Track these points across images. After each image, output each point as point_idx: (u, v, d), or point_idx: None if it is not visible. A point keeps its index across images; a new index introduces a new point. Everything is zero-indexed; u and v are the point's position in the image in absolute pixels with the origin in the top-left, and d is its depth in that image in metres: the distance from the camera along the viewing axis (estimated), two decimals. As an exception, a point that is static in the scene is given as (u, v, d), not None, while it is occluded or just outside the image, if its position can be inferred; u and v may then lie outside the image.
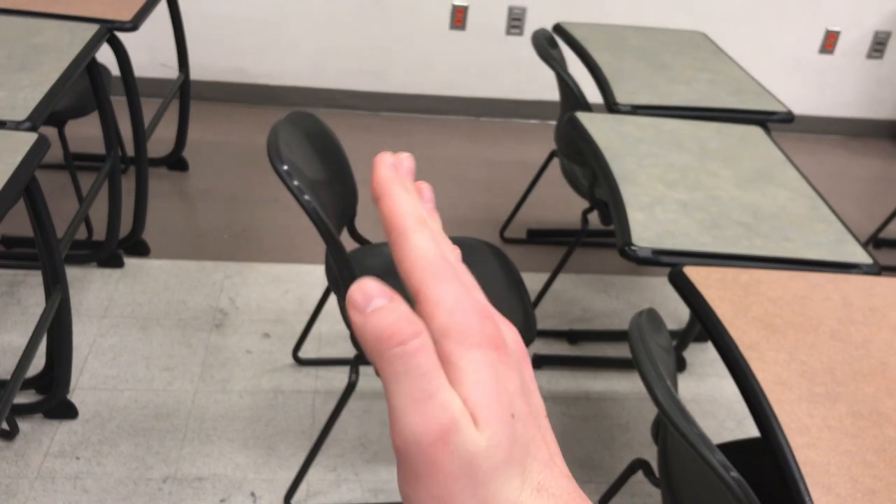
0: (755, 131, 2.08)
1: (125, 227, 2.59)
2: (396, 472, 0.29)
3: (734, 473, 1.08)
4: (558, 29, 2.62)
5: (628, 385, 2.34)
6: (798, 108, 3.89)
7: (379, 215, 0.33)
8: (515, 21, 3.63)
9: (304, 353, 2.31)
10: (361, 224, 2.01)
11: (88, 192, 2.34)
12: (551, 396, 2.27)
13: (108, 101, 2.33)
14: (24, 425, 2.01)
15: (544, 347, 2.44)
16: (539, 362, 2.36)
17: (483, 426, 0.28)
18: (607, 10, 3.60)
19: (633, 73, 2.34)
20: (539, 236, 2.97)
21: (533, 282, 2.58)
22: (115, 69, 2.50)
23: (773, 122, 2.20)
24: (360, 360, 1.79)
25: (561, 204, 3.13)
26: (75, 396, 2.11)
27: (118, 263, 2.57)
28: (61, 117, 2.48)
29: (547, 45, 2.37)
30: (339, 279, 1.62)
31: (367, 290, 0.29)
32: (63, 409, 2.04)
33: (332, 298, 2.22)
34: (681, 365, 2.40)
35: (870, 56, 3.87)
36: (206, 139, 3.37)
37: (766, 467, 1.30)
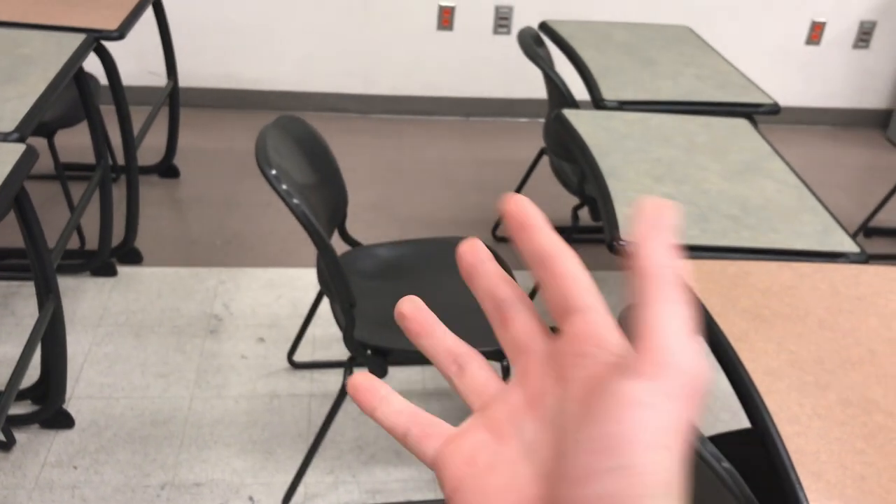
0: (742, 124, 2.09)
1: (117, 235, 2.60)
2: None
3: (725, 464, 1.09)
4: (544, 27, 2.63)
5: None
6: (785, 100, 3.90)
7: (522, 246, 0.33)
8: (502, 20, 3.64)
9: (299, 356, 2.31)
10: (352, 226, 2.02)
11: (79, 201, 2.34)
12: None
13: (96, 111, 2.33)
14: (20, 436, 2.01)
15: (538, 344, 2.44)
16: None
17: None
18: (593, 7, 3.62)
19: (620, 69, 2.35)
20: (531, 234, 2.98)
21: (526, 279, 2.59)
22: (103, 78, 2.50)
23: (759, 114, 2.21)
24: (354, 362, 1.80)
25: (552, 201, 3.13)
26: (71, 406, 2.11)
27: (111, 272, 2.57)
28: (50, 128, 2.49)
29: (533, 44, 2.38)
30: (331, 282, 1.63)
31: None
32: (59, 419, 2.05)
33: (325, 302, 2.22)
34: (674, 358, 2.41)
35: (856, 46, 3.89)
36: (197, 146, 3.37)
37: (758, 457, 1.31)
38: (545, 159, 2.63)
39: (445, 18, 3.61)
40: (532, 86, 3.70)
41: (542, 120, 3.79)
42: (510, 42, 3.68)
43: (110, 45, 2.34)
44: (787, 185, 1.81)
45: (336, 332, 2.40)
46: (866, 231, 3.15)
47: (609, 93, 2.18)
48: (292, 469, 1.98)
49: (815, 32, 3.83)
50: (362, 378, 0.37)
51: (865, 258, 1.58)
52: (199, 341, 2.35)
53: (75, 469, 1.95)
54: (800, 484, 1.08)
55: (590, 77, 2.27)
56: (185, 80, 3.42)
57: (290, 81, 3.70)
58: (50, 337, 1.94)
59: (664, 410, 0.26)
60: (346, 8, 3.56)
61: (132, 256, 2.64)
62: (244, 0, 3.50)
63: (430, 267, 1.97)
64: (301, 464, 1.90)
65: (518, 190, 2.83)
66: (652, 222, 0.29)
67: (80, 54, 2.11)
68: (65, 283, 2.50)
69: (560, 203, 3.10)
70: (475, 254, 0.35)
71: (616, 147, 1.90)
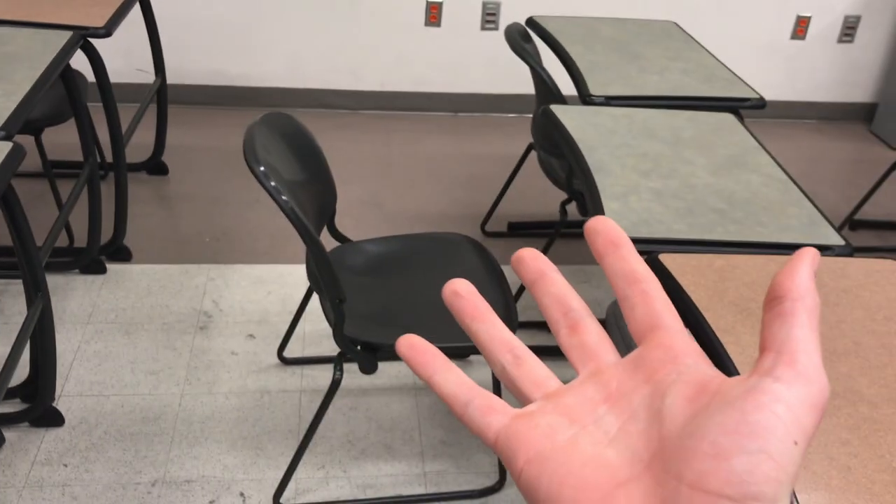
0: (728, 118, 2.10)
1: (106, 233, 2.59)
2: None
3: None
4: (531, 22, 2.64)
5: (611, 373, 2.36)
6: (771, 94, 3.93)
7: (610, 265, 0.37)
8: (490, 16, 3.64)
9: (289, 352, 2.32)
10: (341, 222, 2.02)
11: (67, 199, 2.34)
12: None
13: (84, 108, 2.33)
14: (9, 434, 2.01)
15: (527, 338, 2.46)
16: (523, 354, 2.38)
17: None
18: (580, 3, 3.63)
19: (606, 64, 2.36)
20: (520, 229, 2.99)
21: (514, 274, 2.60)
22: (90, 75, 2.49)
23: (745, 108, 2.23)
24: (343, 357, 1.81)
25: (540, 196, 3.15)
26: (61, 403, 2.11)
27: (100, 269, 2.57)
28: (38, 125, 2.48)
29: (520, 39, 2.39)
30: (320, 278, 1.64)
31: None
32: (49, 417, 2.04)
33: (315, 298, 2.23)
34: (663, 352, 2.43)
35: (841, 40, 3.91)
36: (186, 143, 3.36)
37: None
38: (533, 154, 2.64)
39: (433, 14, 3.61)
40: (520, 81, 3.71)
41: (530, 115, 3.80)
42: (498, 38, 3.68)
43: (98, 43, 2.34)
44: (773, 179, 1.82)
45: (326, 327, 2.41)
46: (852, 224, 3.17)
47: (596, 88, 2.19)
48: (283, 465, 1.99)
49: (801, 27, 3.85)
50: (417, 339, 0.38)
51: (851, 251, 1.59)
52: (188, 338, 2.35)
53: (65, 467, 1.95)
54: (786, 474, 1.09)
55: (577, 72, 2.28)
56: (173, 77, 3.42)
57: (279, 78, 3.69)
58: (39, 335, 1.94)
59: (798, 412, 0.29)
60: (334, 4, 3.55)
61: (121, 254, 2.64)
62: (231, -4, 3.50)
63: (419, 262, 1.97)
64: (292, 459, 1.91)
65: (506, 185, 2.84)
66: (805, 257, 0.33)
67: (66, 52, 2.10)
68: (54, 281, 2.49)
69: (548, 198, 3.12)
70: (540, 261, 0.39)
71: (603, 142, 1.91)
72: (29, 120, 2.16)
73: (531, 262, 0.38)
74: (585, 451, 0.32)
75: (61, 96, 2.38)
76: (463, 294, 0.38)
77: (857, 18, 3.86)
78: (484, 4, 3.62)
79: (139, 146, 3.08)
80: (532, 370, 0.37)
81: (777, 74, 3.96)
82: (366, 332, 1.75)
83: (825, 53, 3.94)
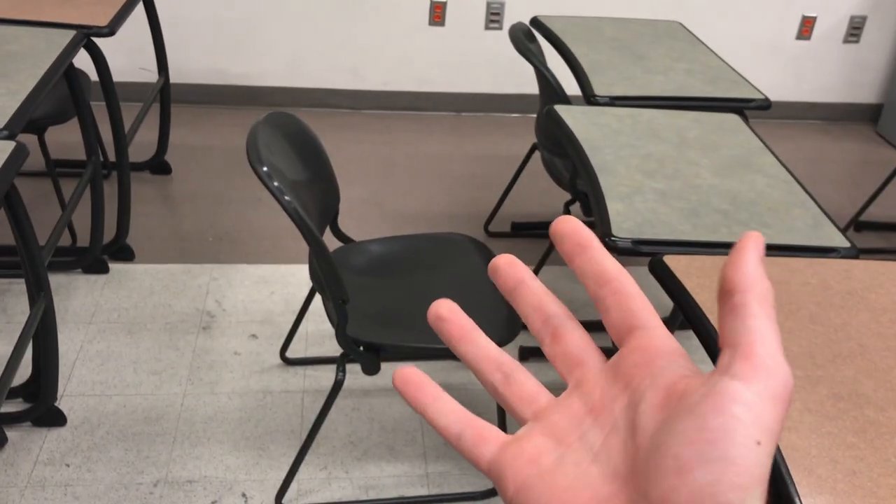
0: (733, 119, 2.09)
1: (109, 232, 2.59)
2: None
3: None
4: (535, 22, 2.63)
5: (615, 374, 2.35)
6: (776, 95, 3.91)
7: (578, 268, 0.35)
8: (494, 15, 3.63)
9: (292, 352, 2.31)
10: (343, 222, 2.02)
11: (70, 198, 2.34)
12: (539, 388, 2.28)
13: (87, 107, 2.32)
14: (12, 434, 2.01)
15: (530, 340, 2.45)
16: (525, 354, 2.37)
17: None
18: (585, 2, 3.62)
19: (611, 64, 2.35)
20: (523, 229, 2.99)
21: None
22: (94, 74, 2.49)
23: (750, 109, 2.22)
24: (346, 358, 1.80)
25: (544, 196, 3.14)
26: (64, 403, 2.11)
27: (103, 269, 2.57)
28: (41, 124, 2.48)
29: (524, 39, 2.38)
30: (323, 279, 1.63)
31: None
32: (51, 417, 2.04)
33: (318, 298, 2.22)
34: (666, 353, 2.42)
35: (846, 41, 3.90)
36: (189, 142, 3.36)
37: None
38: (537, 154, 2.63)
39: (437, 13, 3.60)
40: (523, 81, 3.70)
41: (534, 115, 3.79)
42: (502, 37, 3.67)
43: (101, 41, 2.33)
44: (778, 180, 1.82)
45: (329, 328, 2.40)
46: (857, 225, 3.16)
47: (600, 88, 2.18)
48: (285, 465, 1.99)
49: (806, 27, 3.84)
50: (412, 372, 0.37)
51: (856, 253, 1.59)
52: (191, 338, 2.35)
53: (68, 467, 1.95)
54: (791, 479, 1.09)
55: (581, 72, 2.27)
56: (176, 77, 3.42)
57: (281, 77, 3.69)
58: (41, 335, 1.93)
59: (759, 409, 0.28)
60: (336, 3, 3.55)
61: (124, 253, 2.64)
62: (235, -5, 3.50)
63: (422, 263, 1.97)
64: (294, 460, 1.90)
65: (510, 185, 2.83)
66: (748, 244, 0.32)
67: (69, 51, 2.10)
68: (56, 281, 2.49)
69: (551, 198, 3.11)
70: (516, 268, 0.37)
71: (607, 142, 1.90)
72: (32, 119, 2.15)
73: (507, 269, 0.37)
74: (569, 472, 0.32)
75: (64, 95, 2.38)
76: (446, 316, 0.37)
77: (863, 19, 3.85)
78: (488, 4, 3.61)
79: (143, 145, 3.08)
80: (521, 387, 0.36)
81: (782, 75, 3.95)
82: (368, 332, 1.75)
83: (831, 54, 3.92)
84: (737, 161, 1.88)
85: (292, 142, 1.80)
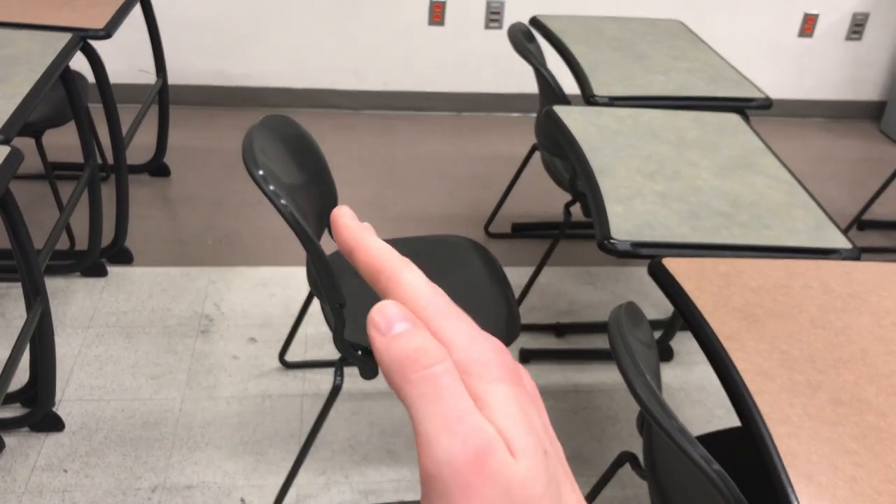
0: (733, 119, 2.08)
1: (107, 235, 2.58)
2: (422, 501, 0.28)
3: (716, 466, 1.08)
4: (535, 22, 2.61)
5: (616, 376, 2.34)
6: (778, 93, 3.89)
7: (357, 266, 0.33)
8: (494, 15, 3.62)
9: (291, 356, 2.30)
10: (342, 225, 2.00)
11: (68, 201, 2.33)
12: (540, 390, 2.26)
13: (84, 110, 2.31)
14: (9, 439, 2.00)
15: (531, 341, 2.44)
16: (526, 356, 2.36)
17: (520, 455, 0.28)
18: (584, 1, 3.60)
19: (610, 64, 2.33)
20: (524, 230, 2.97)
21: (519, 276, 2.57)
22: (91, 76, 2.48)
23: (751, 108, 2.20)
24: (344, 362, 1.79)
25: (545, 196, 3.12)
26: (62, 408, 2.10)
27: (101, 272, 2.56)
28: (38, 127, 2.47)
29: (523, 39, 2.37)
30: (320, 283, 1.62)
31: (389, 314, 0.30)
32: (49, 422, 2.03)
33: (317, 300, 2.21)
34: (668, 354, 2.41)
35: (849, 38, 3.87)
36: (188, 144, 3.35)
37: (750, 455, 1.30)
38: (537, 155, 2.61)
39: (437, 13, 3.59)
40: (524, 80, 3.68)
41: (535, 115, 3.78)
42: (502, 37, 3.66)
43: (99, 43, 2.32)
44: (779, 181, 1.80)
45: (328, 331, 2.38)
46: (860, 224, 3.14)
47: (600, 88, 2.17)
48: (284, 470, 1.97)
49: (808, 25, 3.81)
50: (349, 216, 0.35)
51: (858, 254, 1.57)
52: (190, 342, 2.34)
53: (65, 472, 1.94)
54: (791, 485, 1.07)
55: (580, 72, 2.26)
56: (174, 78, 3.40)
57: (281, 78, 3.68)
58: (38, 339, 1.92)
59: None
60: (336, 4, 3.53)
61: (122, 256, 2.63)
62: (234, -4, 3.48)
63: (420, 265, 1.94)
64: (293, 465, 1.89)
65: (510, 186, 2.82)
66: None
67: (65, 54, 2.09)
68: (55, 284, 2.48)
69: (552, 198, 3.09)
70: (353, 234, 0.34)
71: (606, 143, 1.89)
72: (29, 122, 2.15)
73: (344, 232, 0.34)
74: None
75: (62, 98, 2.37)
76: (348, 224, 0.35)
77: (866, 16, 3.82)
78: (488, 3, 3.59)
79: (141, 147, 3.07)
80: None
81: (785, 73, 3.93)
82: (367, 336, 1.73)
83: (833, 51, 3.90)
84: (737, 162, 1.86)
85: (289, 145, 1.79)
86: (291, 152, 1.79)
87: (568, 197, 2.35)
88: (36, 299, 1.88)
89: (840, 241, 1.60)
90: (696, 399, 2.28)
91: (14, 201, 1.74)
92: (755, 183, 1.78)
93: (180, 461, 1.99)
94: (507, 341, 1.77)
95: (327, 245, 1.63)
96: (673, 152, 1.88)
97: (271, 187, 1.53)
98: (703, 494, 1.15)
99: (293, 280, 2.61)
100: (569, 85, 2.29)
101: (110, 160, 2.63)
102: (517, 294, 2.48)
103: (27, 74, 1.96)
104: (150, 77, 3.21)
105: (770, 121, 3.90)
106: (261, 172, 1.53)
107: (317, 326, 2.40)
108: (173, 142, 3.19)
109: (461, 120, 3.78)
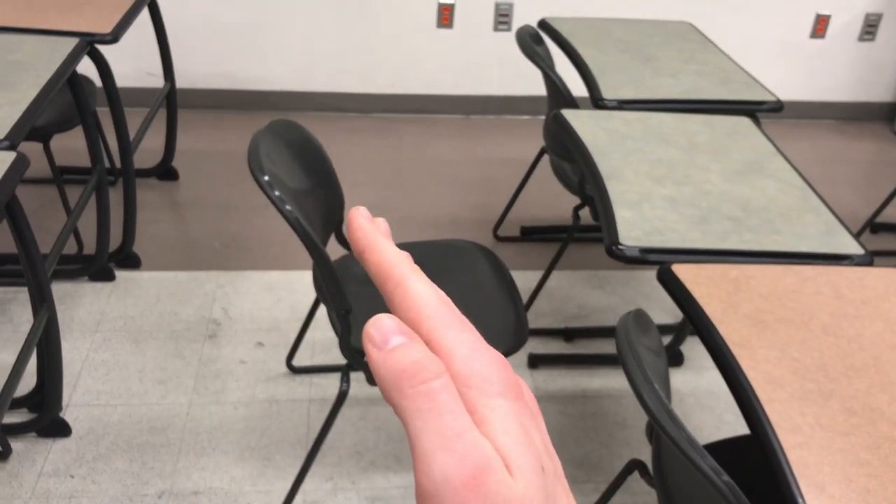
0: (744, 122, 2.06)
1: (115, 239, 2.58)
2: None
3: (725, 477, 1.06)
4: (543, 24, 2.60)
5: (625, 382, 2.31)
6: (790, 94, 3.86)
7: (367, 268, 0.33)
8: (503, 17, 3.60)
9: (298, 360, 2.29)
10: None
11: (76, 206, 2.32)
12: (548, 396, 2.25)
13: (91, 115, 2.31)
14: (16, 445, 2.00)
15: (540, 346, 2.42)
16: (535, 361, 2.34)
17: (517, 474, 0.27)
18: (594, 3, 3.58)
19: (619, 67, 2.31)
20: (533, 234, 2.95)
21: (528, 280, 2.56)
22: (99, 80, 2.48)
23: (762, 111, 2.18)
24: (351, 368, 1.78)
25: (554, 200, 3.11)
26: (69, 413, 2.09)
27: (109, 277, 2.56)
28: (46, 132, 2.47)
29: (532, 42, 2.35)
30: (325, 289, 1.61)
31: (385, 328, 0.29)
32: (56, 427, 2.03)
33: (324, 305, 2.20)
34: (678, 359, 2.39)
35: (861, 39, 3.84)
36: (196, 148, 3.35)
37: (761, 464, 1.28)
38: (546, 158, 2.60)
39: (445, 16, 3.58)
40: (533, 83, 3.66)
41: (543, 117, 3.76)
42: (510, 39, 3.64)
43: (109, 48, 2.32)
44: (790, 185, 1.78)
45: (335, 335, 2.37)
46: (873, 227, 3.11)
47: (608, 92, 2.15)
48: (291, 476, 1.96)
49: (820, 25, 3.78)
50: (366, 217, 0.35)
51: (870, 260, 1.55)
52: (197, 346, 2.33)
53: (72, 478, 1.93)
54: (802, 497, 1.05)
55: (589, 76, 2.24)
56: (182, 82, 3.40)
57: (289, 81, 3.67)
58: (45, 345, 1.92)
59: None
60: (344, 6, 3.53)
61: (130, 261, 2.62)
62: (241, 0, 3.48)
63: (428, 270, 1.93)
64: (299, 471, 1.88)
65: (519, 189, 2.80)
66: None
67: (72, 59, 2.09)
68: (62, 289, 2.48)
69: (561, 202, 3.07)
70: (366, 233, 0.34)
71: (615, 148, 1.87)
72: (37, 127, 2.14)
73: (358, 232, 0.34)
74: None
75: (70, 103, 2.37)
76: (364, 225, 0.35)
77: (879, 16, 3.79)
78: (496, 5, 3.58)
79: (149, 151, 3.07)
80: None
81: (796, 74, 3.90)
82: (373, 342, 1.72)
83: (846, 52, 3.87)
84: (748, 166, 1.84)
85: (295, 150, 1.78)
86: (297, 157, 1.78)
87: (577, 200, 2.33)
88: (42, 305, 1.88)
89: (852, 247, 1.57)
90: (706, 405, 2.25)
91: (20, 207, 1.74)
92: (766, 187, 1.76)
93: (187, 466, 1.98)
94: (515, 347, 1.75)
95: (334, 251, 1.62)
96: (682, 156, 1.86)
97: (277, 193, 1.52)
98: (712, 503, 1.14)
99: (300, 284, 2.60)
100: (577, 88, 2.28)
101: (118, 164, 2.63)
102: (526, 298, 2.46)
103: (34, 80, 1.96)
104: (157, 80, 3.21)
105: (781, 122, 3.87)
106: (266, 178, 1.53)
107: (324, 331, 2.39)
108: (181, 145, 3.18)
109: (469, 123, 3.77)
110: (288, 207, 1.51)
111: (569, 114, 2.00)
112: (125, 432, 2.06)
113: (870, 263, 1.54)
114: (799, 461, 1.10)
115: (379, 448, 2.06)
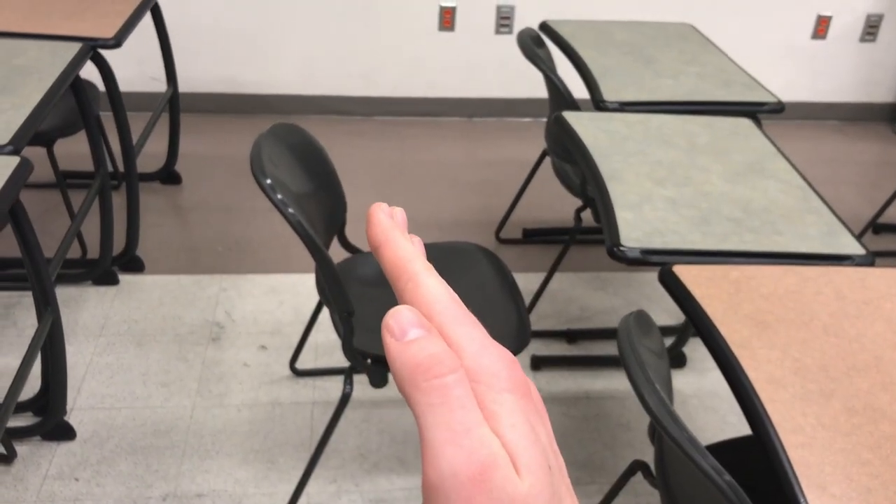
0: (745, 123, 2.06)
1: (119, 243, 2.59)
2: None
3: (727, 477, 1.06)
4: (545, 27, 2.60)
5: (628, 383, 2.32)
6: (792, 95, 3.86)
7: (381, 263, 0.33)
8: (504, 20, 3.61)
9: (301, 363, 2.30)
10: (352, 231, 2.00)
11: (79, 210, 2.33)
12: (551, 397, 2.26)
13: (94, 119, 2.32)
14: (21, 448, 2.01)
15: (543, 348, 2.42)
16: (538, 363, 2.35)
17: (524, 472, 0.28)
18: (595, 4, 3.59)
19: (620, 69, 2.32)
20: (535, 236, 2.96)
21: (530, 282, 2.56)
22: (102, 86, 2.49)
23: (763, 113, 2.18)
24: (354, 370, 1.78)
25: (556, 202, 3.11)
26: (73, 417, 2.10)
27: (113, 281, 2.56)
28: (49, 136, 2.48)
29: (533, 45, 2.36)
30: (328, 291, 1.61)
31: (404, 320, 0.30)
32: (60, 431, 2.04)
33: (327, 308, 2.20)
34: (681, 360, 2.39)
35: (863, 39, 3.84)
36: (199, 152, 3.36)
37: (762, 464, 1.29)
38: (548, 160, 2.60)
39: (447, 19, 3.59)
40: (535, 85, 3.67)
41: (545, 119, 3.76)
42: (512, 42, 3.65)
43: (112, 52, 2.33)
44: (791, 186, 1.78)
45: (338, 338, 2.38)
46: (875, 227, 3.11)
47: (609, 94, 2.16)
48: (295, 478, 1.97)
49: (821, 27, 3.78)
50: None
51: (871, 260, 1.55)
52: (201, 349, 2.34)
53: (77, 481, 1.94)
54: (804, 497, 1.06)
55: (590, 78, 2.24)
56: (185, 86, 3.41)
57: (292, 85, 3.68)
58: (49, 349, 1.93)
59: None
60: (346, 10, 3.54)
61: (134, 265, 2.63)
62: (243, 4, 3.49)
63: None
64: (303, 473, 1.88)
65: (521, 191, 2.81)
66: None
67: (75, 64, 2.10)
68: (66, 293, 2.49)
69: (563, 204, 3.08)
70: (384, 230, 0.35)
71: (616, 149, 1.87)
72: (40, 131, 2.15)
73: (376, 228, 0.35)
74: None
75: (73, 107, 2.37)
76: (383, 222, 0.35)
77: (880, 17, 3.79)
78: (498, 8, 3.58)
79: (152, 155, 3.08)
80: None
81: (798, 75, 3.90)
82: (376, 344, 1.73)
83: (847, 53, 3.87)
84: (749, 167, 1.85)
85: (297, 153, 1.79)
86: (299, 160, 1.79)
87: (579, 202, 2.34)
88: (46, 309, 1.89)
89: (853, 247, 1.58)
90: (709, 406, 2.26)
91: (24, 211, 1.75)
92: (767, 188, 1.76)
93: (191, 469, 1.98)
94: (518, 348, 1.76)
95: (337, 253, 1.63)
96: (683, 158, 1.87)
97: (279, 196, 1.53)
98: (715, 505, 1.14)
99: (303, 287, 2.61)
100: (579, 90, 2.28)
101: (121, 168, 2.64)
102: (528, 300, 2.47)
103: (37, 84, 1.97)
104: (160, 85, 3.22)
105: (783, 124, 3.88)
106: (269, 181, 1.53)
107: (327, 334, 2.40)
108: (184, 149, 3.19)
109: (471, 125, 3.77)
110: (290, 210, 1.51)
111: (570, 116, 2.00)
112: (129, 435, 2.06)
113: (871, 264, 1.54)
114: (800, 461, 1.10)
115: (382, 450, 2.06)
